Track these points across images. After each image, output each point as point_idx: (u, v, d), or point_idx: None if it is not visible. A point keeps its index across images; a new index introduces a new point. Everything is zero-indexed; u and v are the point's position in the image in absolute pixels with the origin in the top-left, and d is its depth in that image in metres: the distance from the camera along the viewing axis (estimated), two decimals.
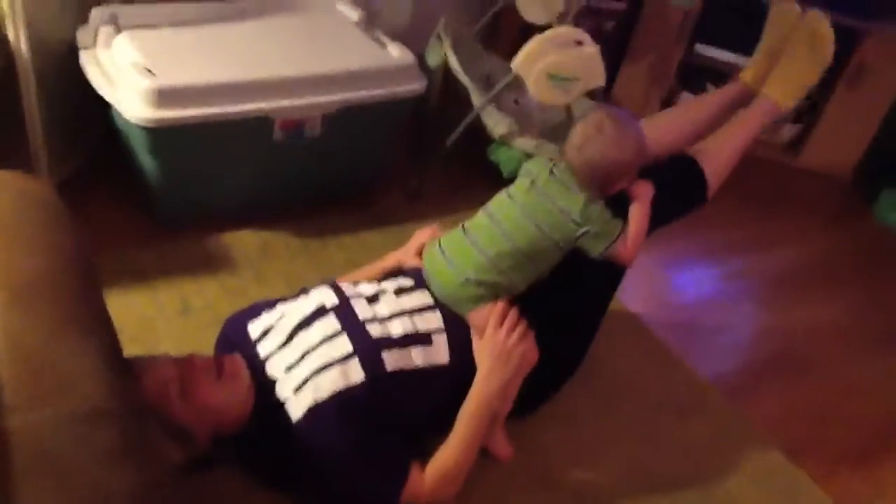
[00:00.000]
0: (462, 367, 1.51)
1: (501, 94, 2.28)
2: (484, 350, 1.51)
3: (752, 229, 2.65)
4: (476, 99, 2.28)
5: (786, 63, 1.77)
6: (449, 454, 1.47)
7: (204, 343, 1.59)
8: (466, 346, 1.53)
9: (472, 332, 1.55)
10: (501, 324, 1.52)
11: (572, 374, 1.75)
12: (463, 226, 1.59)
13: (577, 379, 1.76)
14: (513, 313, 1.53)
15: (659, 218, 1.63)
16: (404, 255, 1.74)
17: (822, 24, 1.74)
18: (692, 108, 1.87)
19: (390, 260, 1.77)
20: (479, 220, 1.58)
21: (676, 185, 1.73)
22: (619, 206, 1.56)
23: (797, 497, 1.70)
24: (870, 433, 1.93)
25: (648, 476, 1.67)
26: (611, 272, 1.66)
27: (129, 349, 1.54)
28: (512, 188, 1.60)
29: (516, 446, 1.63)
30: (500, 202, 1.58)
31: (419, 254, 1.68)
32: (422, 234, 1.75)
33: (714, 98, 1.87)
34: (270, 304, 1.57)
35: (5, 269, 1.06)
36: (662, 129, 1.79)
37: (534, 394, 1.65)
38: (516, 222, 1.52)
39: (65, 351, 0.98)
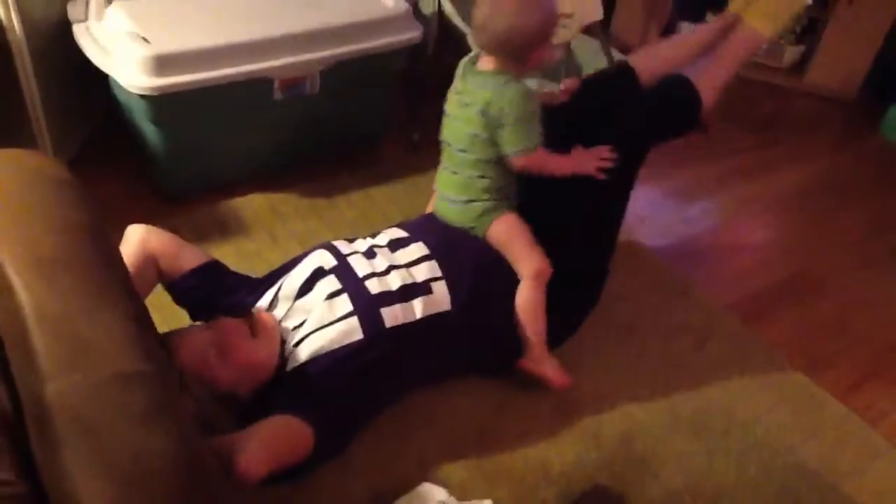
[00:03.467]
0: (464, 312, 1.53)
1: None
2: None
3: (758, 154, 2.64)
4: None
5: None
6: None
7: None
8: (468, 291, 1.55)
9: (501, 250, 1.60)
10: None
11: (593, 304, 1.77)
12: (442, 162, 1.67)
13: (595, 311, 1.78)
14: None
15: (658, 133, 1.73)
16: None
17: None
18: (685, 39, 1.96)
19: None
20: (444, 148, 1.65)
21: (674, 100, 1.79)
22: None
23: (820, 413, 1.73)
24: (886, 346, 1.95)
25: (669, 402, 1.69)
26: (614, 190, 1.70)
27: (152, 317, 1.58)
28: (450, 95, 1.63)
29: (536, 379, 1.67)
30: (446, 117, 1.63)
31: None
32: None
33: (706, 28, 1.91)
34: (269, 280, 1.59)
35: (27, 245, 1.07)
36: (659, 58, 1.85)
37: (559, 324, 1.69)
38: (453, 131, 1.59)
39: (91, 319, 1.00)
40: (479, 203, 1.59)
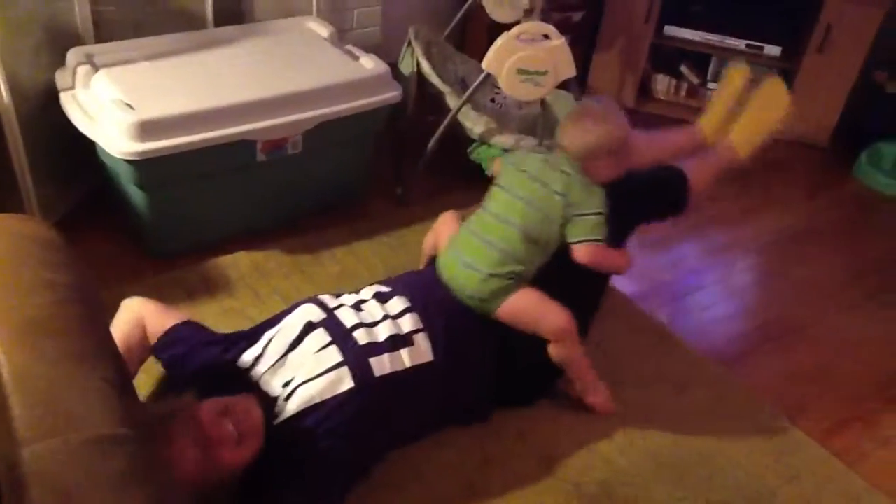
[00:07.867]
0: (448, 364, 1.56)
1: (477, 95, 2.33)
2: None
3: (734, 202, 2.69)
4: (452, 101, 2.32)
5: (746, 121, 1.98)
6: None
7: None
8: (450, 342, 1.58)
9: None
10: None
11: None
12: (469, 226, 1.71)
13: None
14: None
15: (643, 214, 1.87)
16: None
17: (779, 88, 1.99)
18: (659, 138, 2.04)
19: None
20: (482, 216, 1.71)
21: (665, 187, 1.91)
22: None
23: (800, 457, 1.74)
24: (865, 389, 1.97)
25: (651, 449, 1.71)
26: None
27: (137, 378, 1.60)
28: (500, 178, 1.73)
29: (519, 430, 1.69)
30: (492, 194, 1.73)
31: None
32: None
33: (676, 136, 2.06)
34: (254, 334, 1.59)
35: (9, 309, 1.09)
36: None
37: (541, 376, 1.74)
38: (510, 205, 1.66)
39: (70, 383, 1.01)
40: (498, 280, 1.62)
